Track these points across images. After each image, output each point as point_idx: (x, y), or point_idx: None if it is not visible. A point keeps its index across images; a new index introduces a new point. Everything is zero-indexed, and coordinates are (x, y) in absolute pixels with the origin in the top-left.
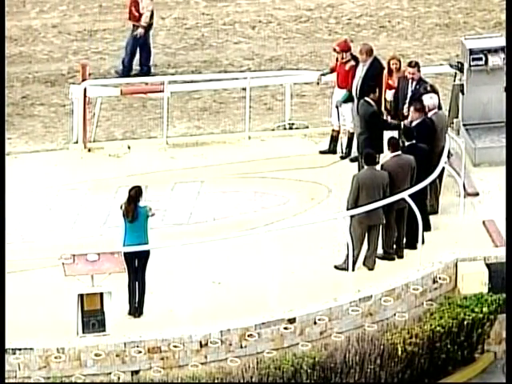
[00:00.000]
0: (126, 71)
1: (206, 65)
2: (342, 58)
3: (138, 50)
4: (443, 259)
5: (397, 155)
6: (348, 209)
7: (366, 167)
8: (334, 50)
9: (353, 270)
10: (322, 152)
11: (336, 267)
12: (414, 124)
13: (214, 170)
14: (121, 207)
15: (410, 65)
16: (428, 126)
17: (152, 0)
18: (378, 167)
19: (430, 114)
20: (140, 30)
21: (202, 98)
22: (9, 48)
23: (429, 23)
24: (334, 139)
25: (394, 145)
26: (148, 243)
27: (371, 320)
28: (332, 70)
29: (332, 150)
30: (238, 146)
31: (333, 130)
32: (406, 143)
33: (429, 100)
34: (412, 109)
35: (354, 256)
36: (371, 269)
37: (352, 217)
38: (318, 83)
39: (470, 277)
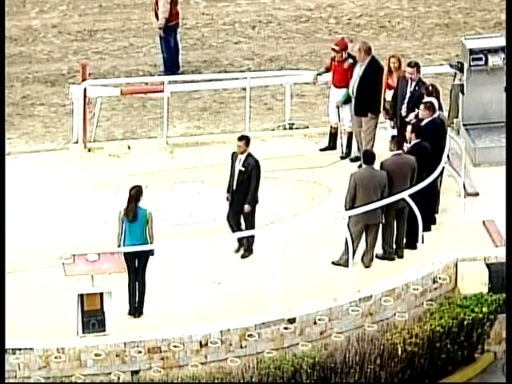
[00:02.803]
0: (175, 69)
1: (206, 65)
2: (341, 57)
3: (168, 46)
4: (443, 259)
5: (397, 154)
6: (345, 207)
7: (364, 166)
8: (334, 49)
9: (347, 266)
10: (322, 149)
11: (333, 263)
12: (424, 122)
13: (214, 170)
14: (119, 213)
15: (409, 65)
16: (438, 125)
17: (171, 3)
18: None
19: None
20: (160, 32)
21: (202, 97)
22: (9, 48)
23: (429, 23)
24: (333, 136)
25: (397, 143)
26: (147, 243)
27: (371, 320)
28: (327, 69)
29: (332, 147)
30: None
31: (331, 127)
32: (413, 141)
33: None
34: (422, 107)
35: (351, 253)
36: (367, 266)
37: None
38: (314, 83)
39: (469, 277)
